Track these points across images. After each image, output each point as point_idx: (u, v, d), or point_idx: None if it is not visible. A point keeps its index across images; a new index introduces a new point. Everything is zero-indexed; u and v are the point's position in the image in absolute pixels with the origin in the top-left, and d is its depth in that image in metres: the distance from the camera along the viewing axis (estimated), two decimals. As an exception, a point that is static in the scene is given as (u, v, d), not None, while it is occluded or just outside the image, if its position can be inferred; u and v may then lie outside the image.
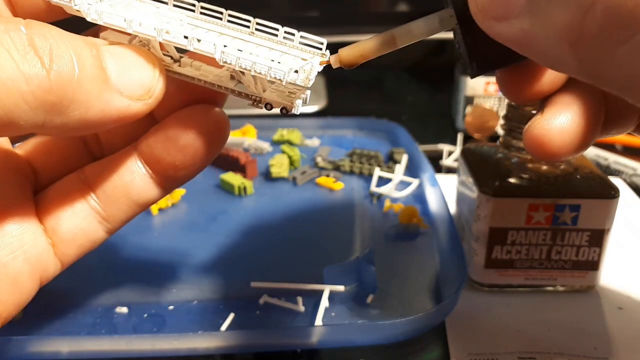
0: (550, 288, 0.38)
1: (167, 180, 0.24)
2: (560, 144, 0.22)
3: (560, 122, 0.22)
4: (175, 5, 0.22)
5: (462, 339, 0.34)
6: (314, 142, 0.57)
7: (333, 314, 0.35)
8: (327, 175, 0.50)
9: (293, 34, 0.22)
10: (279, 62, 0.20)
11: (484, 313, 0.36)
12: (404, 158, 0.52)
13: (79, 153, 0.25)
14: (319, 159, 0.53)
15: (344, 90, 0.76)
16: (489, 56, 0.21)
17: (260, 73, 0.20)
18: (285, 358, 0.33)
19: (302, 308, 0.35)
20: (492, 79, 0.61)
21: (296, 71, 0.20)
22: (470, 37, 0.20)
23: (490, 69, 0.22)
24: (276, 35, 0.22)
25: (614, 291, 0.38)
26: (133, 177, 0.23)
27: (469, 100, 0.63)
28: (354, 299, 0.36)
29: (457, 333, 0.34)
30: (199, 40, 0.20)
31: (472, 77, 0.22)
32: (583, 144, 0.22)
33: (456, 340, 0.34)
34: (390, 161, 0.53)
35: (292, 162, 0.52)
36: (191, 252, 0.41)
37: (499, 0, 0.17)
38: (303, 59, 0.21)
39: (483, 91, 0.62)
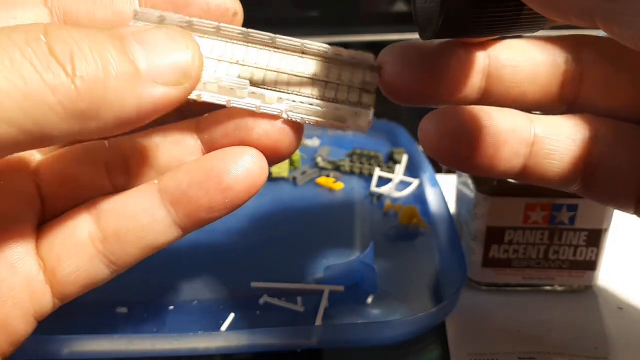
0: (548, 287, 0.38)
1: (192, 223, 0.22)
2: None
3: None
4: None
5: (462, 339, 0.34)
6: (314, 142, 0.57)
7: (333, 314, 0.35)
8: (327, 175, 0.50)
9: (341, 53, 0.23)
10: (337, 109, 0.22)
11: (484, 313, 0.36)
12: (404, 158, 0.52)
13: (98, 183, 0.22)
14: (319, 159, 0.53)
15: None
16: (459, 19, 0.20)
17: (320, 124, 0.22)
18: (285, 358, 0.33)
19: (302, 308, 0.35)
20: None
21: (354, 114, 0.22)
22: None
23: (451, 33, 0.21)
24: (326, 51, 0.23)
25: (614, 291, 0.38)
26: (152, 220, 0.21)
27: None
28: (354, 299, 0.36)
29: (457, 333, 0.34)
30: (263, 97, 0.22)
31: (429, 37, 0.21)
32: None
33: (456, 340, 0.34)
34: (390, 161, 0.53)
35: (292, 162, 0.52)
36: (191, 252, 0.41)
37: None
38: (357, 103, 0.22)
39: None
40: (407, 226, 0.43)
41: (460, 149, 0.23)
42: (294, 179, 0.50)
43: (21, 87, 0.16)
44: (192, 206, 0.21)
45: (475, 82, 0.24)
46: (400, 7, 0.71)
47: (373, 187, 0.48)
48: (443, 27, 0.20)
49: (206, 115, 0.23)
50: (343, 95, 0.22)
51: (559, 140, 0.23)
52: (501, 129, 0.23)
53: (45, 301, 0.21)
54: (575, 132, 0.23)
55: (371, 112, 0.22)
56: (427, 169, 0.49)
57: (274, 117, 0.22)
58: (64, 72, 0.16)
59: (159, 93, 0.18)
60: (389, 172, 0.50)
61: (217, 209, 0.21)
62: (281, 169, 0.50)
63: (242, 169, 0.21)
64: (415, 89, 0.23)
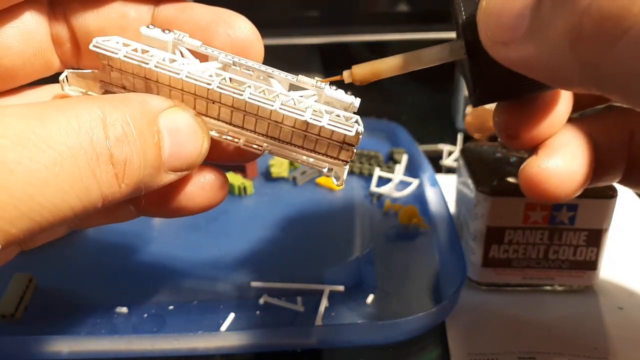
0: (548, 287, 0.38)
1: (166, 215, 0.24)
2: (556, 184, 0.22)
3: (555, 163, 0.22)
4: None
5: (462, 339, 0.34)
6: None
7: (333, 314, 0.35)
8: (327, 175, 0.50)
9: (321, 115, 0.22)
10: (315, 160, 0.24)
11: (484, 313, 0.36)
12: (404, 158, 0.52)
13: None
14: (318, 159, 0.53)
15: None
16: (493, 88, 0.22)
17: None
18: (285, 358, 0.33)
19: (302, 308, 0.35)
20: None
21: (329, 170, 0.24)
22: (477, 68, 0.21)
23: (492, 100, 0.23)
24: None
25: (614, 291, 0.38)
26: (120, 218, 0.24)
27: (469, 101, 0.63)
28: (354, 299, 0.36)
29: (457, 333, 0.34)
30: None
31: (475, 105, 0.23)
32: (577, 185, 0.23)
33: (456, 340, 0.34)
34: (390, 161, 0.53)
35: (292, 162, 0.52)
36: (191, 252, 0.41)
37: (505, 26, 0.18)
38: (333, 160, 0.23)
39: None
40: (407, 226, 0.43)
41: None
42: (294, 179, 0.50)
43: (82, 196, 0.17)
44: (177, 207, 0.24)
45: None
46: (401, 7, 0.71)
47: (373, 187, 0.48)
48: (481, 99, 0.22)
49: None
50: (322, 149, 0.23)
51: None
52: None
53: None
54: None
55: (346, 168, 0.23)
56: (427, 169, 0.49)
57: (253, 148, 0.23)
58: (116, 182, 0.17)
59: (167, 179, 0.20)
60: (389, 172, 0.50)
61: (212, 205, 0.25)
62: (281, 169, 0.50)
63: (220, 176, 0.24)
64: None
